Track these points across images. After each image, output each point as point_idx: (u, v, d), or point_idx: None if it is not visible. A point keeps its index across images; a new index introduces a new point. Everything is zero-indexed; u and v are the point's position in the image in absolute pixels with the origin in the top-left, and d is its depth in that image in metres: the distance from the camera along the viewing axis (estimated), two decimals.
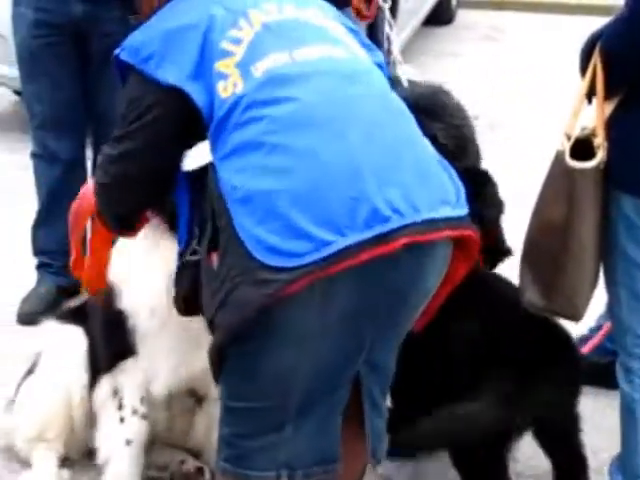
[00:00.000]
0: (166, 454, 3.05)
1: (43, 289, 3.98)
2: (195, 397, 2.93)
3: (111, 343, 2.78)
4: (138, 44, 2.21)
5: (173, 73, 2.13)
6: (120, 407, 2.80)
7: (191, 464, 3.02)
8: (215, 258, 2.09)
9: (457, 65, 7.64)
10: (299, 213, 1.97)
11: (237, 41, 2.13)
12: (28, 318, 3.81)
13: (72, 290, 4.00)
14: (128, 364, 2.76)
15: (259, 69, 2.09)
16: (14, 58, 5.79)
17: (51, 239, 3.99)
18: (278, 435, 2.12)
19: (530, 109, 6.64)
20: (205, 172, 2.16)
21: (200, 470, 3.00)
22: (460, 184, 2.18)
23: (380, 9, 3.29)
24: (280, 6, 2.22)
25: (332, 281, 1.98)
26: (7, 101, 6.72)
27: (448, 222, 2.08)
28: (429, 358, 2.68)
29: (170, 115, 2.17)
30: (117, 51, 2.26)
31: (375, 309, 2.09)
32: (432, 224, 2.05)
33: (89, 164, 4.06)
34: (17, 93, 6.69)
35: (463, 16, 9.42)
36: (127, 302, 2.71)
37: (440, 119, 2.78)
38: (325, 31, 2.23)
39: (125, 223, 2.43)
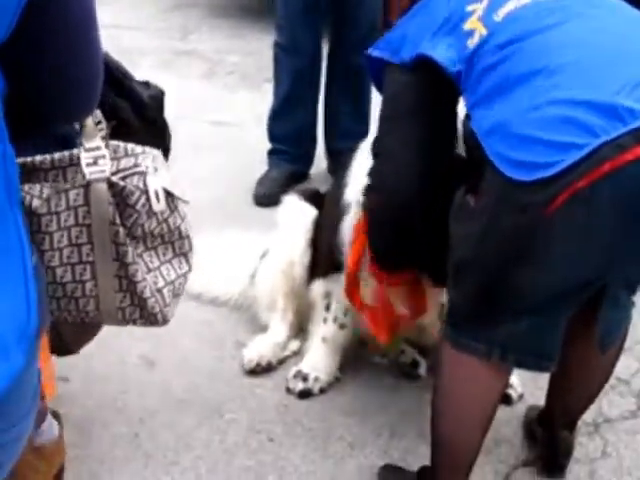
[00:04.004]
0: None
1: (276, 173, 4.12)
2: None
3: (330, 251, 2.84)
4: (389, 39, 2.33)
5: (421, 47, 2.21)
6: (327, 309, 2.93)
7: (409, 356, 3.05)
8: (472, 199, 2.08)
9: None
10: (549, 129, 1.91)
11: (478, 0, 2.19)
12: (263, 199, 4.00)
13: (302, 176, 4.21)
14: (341, 277, 2.80)
15: (500, 15, 2.12)
16: None
17: (288, 127, 4.10)
18: (503, 320, 2.10)
19: None
20: None
21: (415, 363, 3.03)
22: None
23: None
24: None
25: (592, 193, 1.87)
26: None
27: None
28: None
29: (424, 85, 2.24)
30: (369, 50, 2.37)
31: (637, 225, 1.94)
32: None
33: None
34: None
35: None
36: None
37: None
38: None
39: (399, 241, 2.40)
